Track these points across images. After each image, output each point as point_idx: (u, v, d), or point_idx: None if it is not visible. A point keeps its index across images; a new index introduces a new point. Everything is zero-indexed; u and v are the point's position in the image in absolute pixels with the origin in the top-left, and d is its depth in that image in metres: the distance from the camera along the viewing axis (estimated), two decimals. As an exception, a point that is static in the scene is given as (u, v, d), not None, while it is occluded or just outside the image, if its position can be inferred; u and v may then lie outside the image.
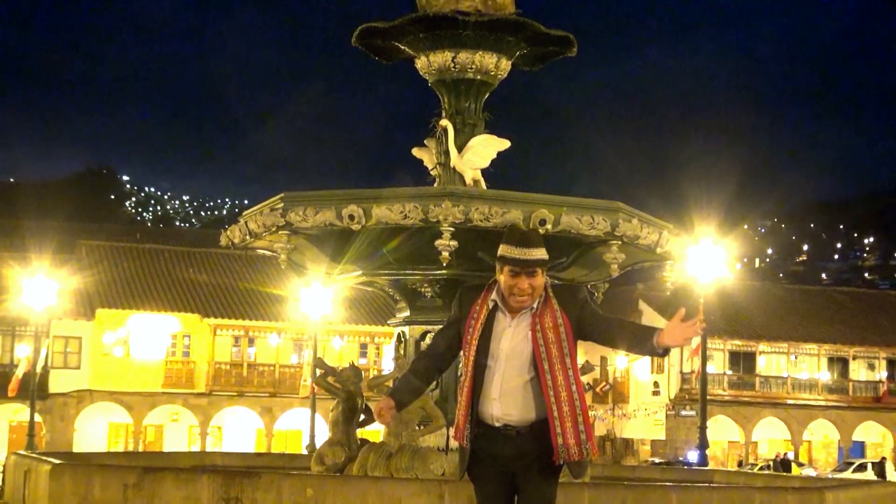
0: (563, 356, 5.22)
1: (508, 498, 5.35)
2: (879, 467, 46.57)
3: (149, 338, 49.18)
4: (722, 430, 52.10)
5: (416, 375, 5.59)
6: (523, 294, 5.27)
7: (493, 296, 5.36)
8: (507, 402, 5.22)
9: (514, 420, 5.21)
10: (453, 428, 5.46)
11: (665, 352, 5.32)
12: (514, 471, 5.27)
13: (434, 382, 12.92)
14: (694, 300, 24.20)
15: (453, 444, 11.45)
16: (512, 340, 5.27)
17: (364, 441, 13.53)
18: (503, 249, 5.34)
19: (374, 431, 14.50)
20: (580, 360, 15.50)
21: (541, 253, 5.31)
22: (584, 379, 14.57)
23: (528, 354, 5.23)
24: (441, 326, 5.71)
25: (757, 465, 46.12)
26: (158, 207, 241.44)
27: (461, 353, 5.45)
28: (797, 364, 55.63)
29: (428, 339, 13.12)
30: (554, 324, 5.26)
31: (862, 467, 46.01)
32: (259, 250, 13.55)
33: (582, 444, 5.17)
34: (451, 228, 11.15)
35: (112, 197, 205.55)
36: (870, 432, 55.80)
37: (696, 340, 25.91)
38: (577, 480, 5.33)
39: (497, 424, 5.24)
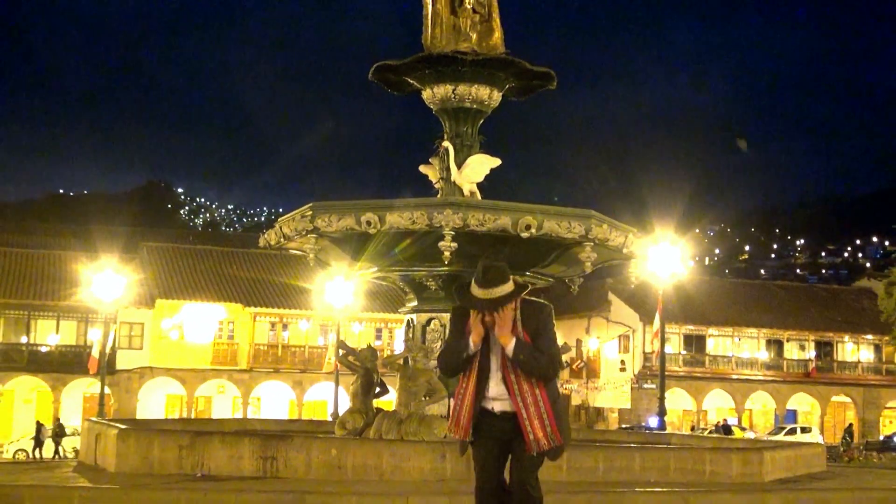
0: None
1: (503, 459, 5.45)
2: (848, 433, 46.69)
3: (199, 323, 49.14)
4: (677, 400, 52.06)
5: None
6: (489, 324, 5.33)
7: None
8: (500, 400, 5.38)
9: (508, 409, 5.36)
10: (453, 424, 5.47)
11: (514, 357, 5.26)
12: (509, 439, 5.38)
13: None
14: (652, 293, 24.21)
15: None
16: (497, 353, 5.38)
17: (379, 410, 13.54)
18: (472, 289, 5.35)
19: (388, 402, 14.48)
20: (560, 342, 15.45)
21: (502, 290, 5.27)
22: (563, 357, 14.49)
23: (502, 372, 5.39)
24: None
25: (706, 429, 46.12)
26: (208, 215, 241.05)
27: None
28: (740, 345, 55.58)
29: (432, 325, 13.12)
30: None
31: (792, 431, 46.04)
32: (292, 250, 13.55)
33: (548, 435, 5.26)
34: (452, 232, 11.15)
35: (169, 206, 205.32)
36: (801, 402, 55.79)
37: (657, 325, 25.88)
38: (551, 460, 5.43)
39: (497, 413, 5.40)
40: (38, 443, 34.97)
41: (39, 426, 36.18)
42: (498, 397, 5.37)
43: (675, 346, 52.72)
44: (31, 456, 34.34)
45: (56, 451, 34.22)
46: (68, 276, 45.44)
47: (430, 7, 13.72)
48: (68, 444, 35.09)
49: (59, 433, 35.34)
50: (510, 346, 5.26)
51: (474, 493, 5.51)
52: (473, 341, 5.34)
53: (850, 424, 51.36)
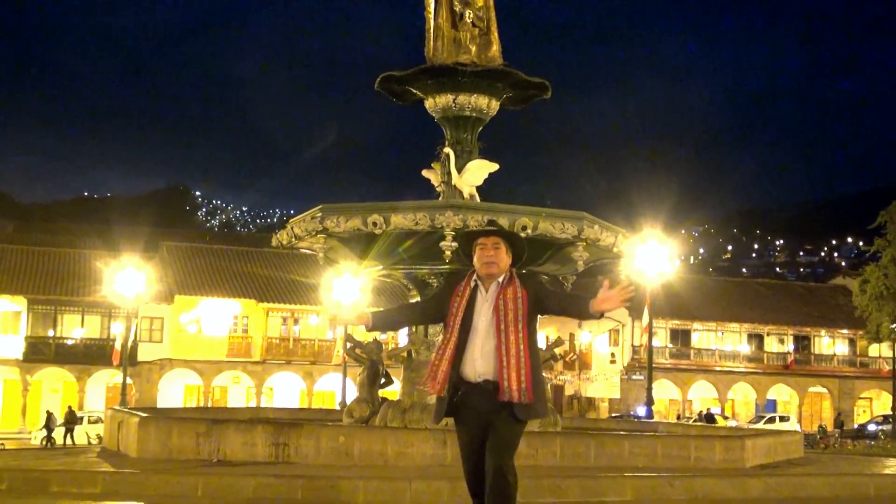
0: (517, 320, 5.13)
1: (483, 443, 5.18)
2: (837, 421, 46.83)
3: (216, 318, 49.16)
4: (664, 390, 52.06)
5: (396, 312, 5.75)
6: (490, 260, 5.24)
7: (475, 279, 5.32)
8: (486, 360, 5.12)
9: (490, 376, 5.11)
10: (428, 379, 5.26)
11: (601, 315, 5.21)
12: (488, 421, 5.12)
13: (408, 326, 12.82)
14: (640, 290, 24.19)
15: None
16: (487, 311, 5.20)
17: (384, 399, 13.53)
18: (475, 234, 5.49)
19: (392, 392, 14.49)
20: (552, 337, 15.46)
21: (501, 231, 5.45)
22: (556, 350, 14.50)
23: (494, 321, 5.17)
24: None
25: (691, 418, 46.12)
26: (223, 216, 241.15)
27: (435, 321, 5.48)
28: (723, 339, 55.58)
29: (433, 320, 13.09)
30: (514, 295, 5.18)
31: (771, 420, 46.05)
32: (302, 249, 13.55)
33: (521, 390, 5.02)
34: (453, 232, 11.13)
35: (187, 208, 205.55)
36: (780, 393, 55.80)
37: (646, 320, 25.84)
38: (521, 419, 5.11)
39: (478, 381, 5.12)
40: (49, 430, 35.16)
41: (49, 415, 36.39)
42: (482, 356, 5.13)
43: (661, 339, 52.70)
44: (43, 443, 34.35)
45: (66, 438, 34.23)
46: (93, 274, 45.47)
47: (432, 21, 13.73)
48: (82, 431, 35.19)
49: (70, 420, 35.43)
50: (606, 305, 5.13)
51: (465, 478, 5.33)
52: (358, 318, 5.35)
53: (840, 413, 51.43)
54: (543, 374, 5.36)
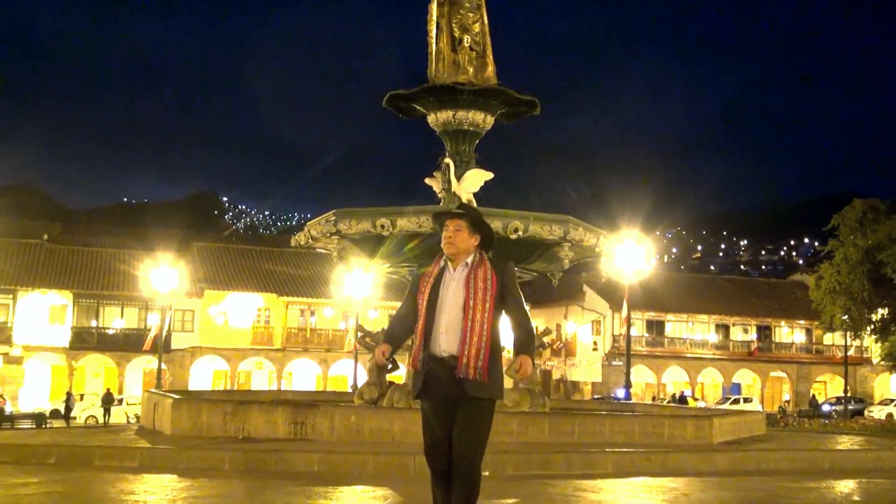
0: (486, 301, 4.76)
1: (448, 424, 4.71)
2: (813, 401, 46.72)
3: (241, 310, 49.13)
4: (641, 375, 52.01)
5: (393, 333, 5.17)
6: (449, 241, 4.92)
7: (444, 259, 5.00)
8: (451, 335, 4.74)
9: (456, 351, 4.71)
10: (412, 358, 4.93)
11: (518, 368, 4.82)
12: (453, 398, 4.69)
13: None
14: (620, 285, 24.12)
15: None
16: (455, 288, 4.83)
17: (391, 383, 13.53)
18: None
19: (398, 376, 14.47)
20: (541, 327, 15.44)
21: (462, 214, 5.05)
22: (545, 339, 14.50)
23: (464, 297, 4.80)
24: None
25: (665, 399, 46.09)
26: (248, 219, 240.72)
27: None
28: (693, 329, 55.54)
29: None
30: (484, 276, 4.80)
31: (736, 401, 46.05)
32: (318, 249, 13.55)
33: (477, 368, 4.63)
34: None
35: (215, 212, 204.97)
36: (744, 377, 55.77)
37: (625, 312, 25.75)
38: (472, 395, 4.64)
39: (444, 355, 4.73)
40: (67, 409, 35.24)
41: (69, 395, 36.42)
42: (447, 333, 4.76)
43: (639, 329, 52.68)
44: (68, 422, 34.41)
45: (105, 416, 34.43)
46: (131, 271, 45.47)
47: (434, 45, 13.75)
48: (121, 411, 35.23)
49: (108, 400, 35.53)
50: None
51: (425, 453, 4.79)
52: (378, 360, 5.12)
53: (814, 395, 51.41)
54: (502, 362, 4.81)
